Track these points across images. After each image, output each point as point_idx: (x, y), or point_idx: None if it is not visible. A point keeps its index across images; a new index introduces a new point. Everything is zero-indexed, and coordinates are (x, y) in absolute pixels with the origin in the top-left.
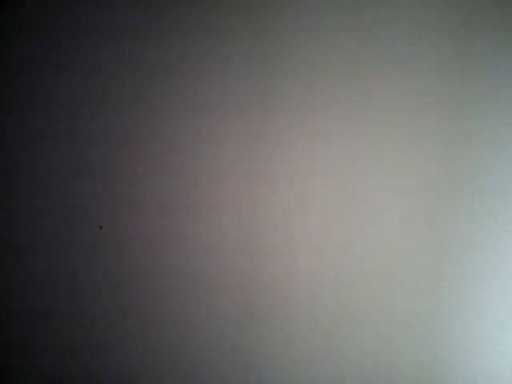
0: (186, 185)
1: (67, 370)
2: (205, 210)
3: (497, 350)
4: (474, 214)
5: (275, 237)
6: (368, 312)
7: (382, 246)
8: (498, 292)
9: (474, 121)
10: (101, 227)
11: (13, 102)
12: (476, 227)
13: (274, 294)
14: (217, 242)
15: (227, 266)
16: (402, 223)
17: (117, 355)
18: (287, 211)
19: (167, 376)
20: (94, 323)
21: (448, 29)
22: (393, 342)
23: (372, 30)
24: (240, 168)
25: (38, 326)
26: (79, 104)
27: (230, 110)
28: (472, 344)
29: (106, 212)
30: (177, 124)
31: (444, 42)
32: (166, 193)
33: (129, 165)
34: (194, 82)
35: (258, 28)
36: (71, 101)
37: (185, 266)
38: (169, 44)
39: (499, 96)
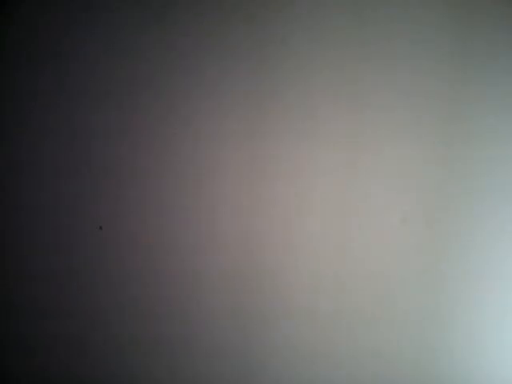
0: (186, 185)
1: (67, 369)
2: (205, 210)
3: (497, 350)
4: (474, 214)
5: (275, 237)
6: (368, 312)
7: (382, 246)
8: (498, 292)
9: (474, 121)
10: (101, 227)
11: (12, 101)
12: (476, 227)
13: (274, 294)
14: (217, 241)
15: (227, 265)
16: (401, 223)
17: (116, 355)
18: (287, 211)
19: (167, 376)
20: (94, 323)
21: (448, 29)
22: (393, 341)
23: (372, 30)
24: (240, 168)
25: (37, 325)
26: (79, 104)
27: (229, 109)
28: (472, 344)
29: (105, 212)
30: (177, 124)
31: (444, 42)
32: (166, 193)
33: (129, 165)
34: (194, 82)
35: (258, 28)
36: (71, 101)
37: (185, 266)
38: (168, 44)
39: (499, 96)
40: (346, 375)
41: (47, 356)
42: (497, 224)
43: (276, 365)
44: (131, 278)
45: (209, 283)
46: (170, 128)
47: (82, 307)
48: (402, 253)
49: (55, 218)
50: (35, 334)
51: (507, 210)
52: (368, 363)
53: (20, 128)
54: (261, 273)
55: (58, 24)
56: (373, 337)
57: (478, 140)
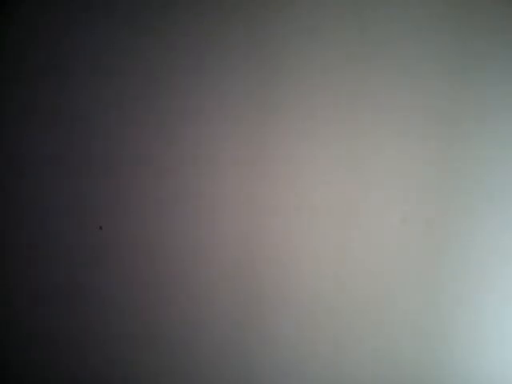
0: (187, 185)
1: (67, 369)
2: (205, 210)
3: (497, 350)
4: (475, 214)
5: (275, 237)
6: (368, 312)
7: (382, 245)
8: (498, 292)
9: (474, 121)
10: (101, 227)
11: (12, 101)
12: (476, 227)
13: (274, 294)
14: (217, 241)
15: (227, 265)
16: (402, 223)
17: (116, 355)
18: (287, 211)
19: (167, 376)
20: (94, 323)
21: (448, 29)
22: (393, 341)
23: (372, 31)
24: (240, 168)
25: (37, 325)
26: (79, 104)
27: (230, 109)
28: (472, 344)
29: (105, 212)
30: (177, 124)
31: (444, 42)
32: (167, 193)
33: (129, 165)
34: (194, 82)
35: (258, 28)
36: (71, 101)
37: (185, 266)
38: (168, 44)
39: (500, 96)
40: (346, 375)
41: (47, 356)
42: (497, 224)
43: (276, 364)
44: (131, 277)
45: (209, 283)
46: (170, 128)
47: (82, 307)
48: (402, 253)
49: (55, 218)
50: (35, 334)
51: (507, 210)
52: (368, 363)
53: (20, 128)
54: (261, 273)
55: (57, 24)
56: (373, 337)
57: (478, 140)
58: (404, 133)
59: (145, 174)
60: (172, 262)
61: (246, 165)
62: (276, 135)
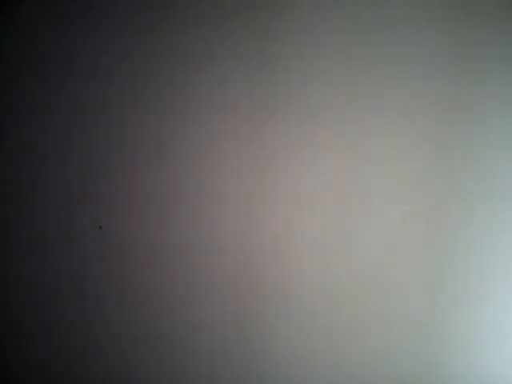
0: (187, 185)
1: (67, 369)
2: (205, 211)
3: (498, 350)
4: (475, 214)
5: (275, 237)
6: (368, 312)
7: (382, 245)
8: (498, 292)
9: (474, 121)
10: (101, 227)
11: (12, 101)
12: (476, 227)
13: (274, 294)
14: (217, 241)
15: (227, 265)
16: (402, 223)
17: (116, 354)
18: (288, 212)
19: (167, 376)
20: (94, 323)
21: (448, 31)
22: (393, 341)
23: (372, 32)
24: (241, 169)
25: (37, 325)
26: (79, 104)
27: (230, 110)
28: (473, 344)
29: (106, 212)
30: (177, 124)
31: (444, 44)
32: (167, 193)
33: (129, 165)
34: (194, 83)
35: (259, 29)
36: (71, 101)
37: (185, 266)
38: (169, 44)
39: (499, 97)
40: (346, 375)
41: (47, 356)
42: (497, 224)
43: (276, 364)
44: (131, 277)
45: (209, 283)
46: (170, 128)
47: (82, 307)
48: (402, 253)
49: (55, 218)
50: (35, 334)
51: (508, 210)
52: (368, 363)
53: (20, 128)
54: (261, 273)
55: (58, 24)
56: (373, 337)
57: (479, 140)
58: (404, 133)
59: (145, 174)
60: (172, 262)
61: (246, 165)
62: (276, 135)
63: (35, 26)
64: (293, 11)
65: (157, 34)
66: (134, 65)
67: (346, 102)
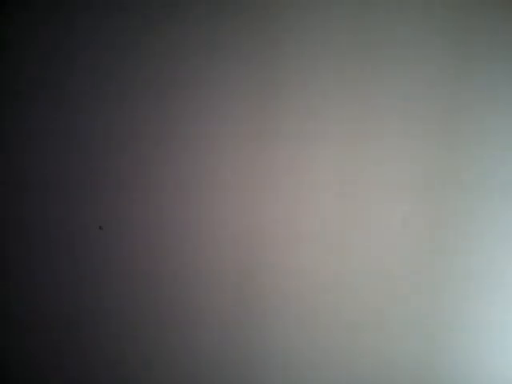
0: (187, 185)
1: (67, 370)
2: (205, 210)
3: (498, 350)
4: (475, 214)
5: (275, 237)
6: (368, 312)
7: (382, 245)
8: (499, 292)
9: (474, 122)
10: (101, 227)
11: (12, 101)
12: (476, 227)
13: (274, 295)
14: (217, 241)
15: (228, 265)
16: (402, 223)
17: (116, 354)
18: (288, 211)
19: (167, 376)
20: (94, 322)
21: (447, 30)
22: (393, 342)
23: (372, 33)
24: (241, 168)
25: (37, 326)
26: (79, 104)
27: (230, 110)
28: (473, 344)
29: (106, 212)
30: (177, 124)
31: (443, 44)
32: (167, 193)
33: (129, 164)
34: (195, 83)
35: (259, 29)
36: (72, 101)
37: (185, 266)
38: (169, 45)
39: (499, 98)
40: (346, 375)
41: (47, 356)
42: (498, 224)
43: (276, 364)
44: (132, 277)
45: (209, 283)
46: (170, 128)
47: (82, 307)
48: (402, 253)
49: (55, 218)
50: (35, 334)
51: (508, 210)
52: (368, 364)
53: (20, 128)
54: (261, 272)
55: (58, 24)
56: (373, 338)
57: (479, 140)
58: (404, 133)
59: (145, 174)
60: (172, 261)
61: (247, 165)
62: (277, 136)
63: (35, 26)
64: (293, 12)
65: (157, 34)
66: (134, 66)
67: (346, 102)
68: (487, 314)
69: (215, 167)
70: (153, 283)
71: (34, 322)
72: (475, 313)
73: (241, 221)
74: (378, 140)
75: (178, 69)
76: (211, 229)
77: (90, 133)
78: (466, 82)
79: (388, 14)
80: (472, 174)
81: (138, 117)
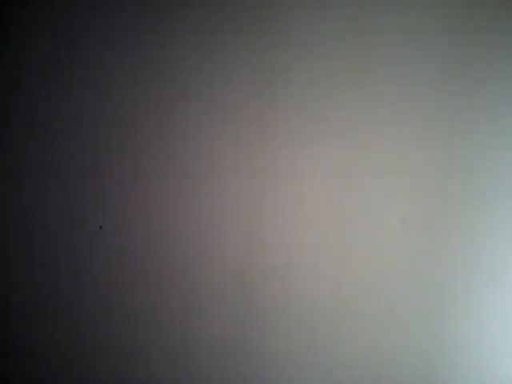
0: (188, 185)
1: (67, 370)
2: (206, 210)
3: (499, 349)
4: (475, 214)
5: (275, 238)
6: (368, 312)
7: (381, 245)
8: (498, 292)
9: (474, 121)
10: (101, 227)
11: (12, 101)
12: (476, 227)
13: (274, 295)
14: (217, 242)
15: (227, 265)
16: (401, 223)
17: (116, 354)
18: (287, 211)
19: (167, 376)
20: (95, 323)
21: (448, 30)
22: (393, 342)
23: (373, 33)
24: (241, 169)
25: (37, 326)
26: (80, 104)
27: (231, 111)
28: (473, 344)
29: (105, 212)
30: (178, 125)
31: (444, 44)
32: (167, 193)
33: (130, 164)
34: (196, 84)
35: (259, 30)
36: (72, 101)
37: (186, 266)
38: (170, 46)
39: (499, 98)
40: (346, 376)
41: (47, 356)
42: (497, 224)
43: (276, 365)
44: (132, 278)
45: (209, 283)
46: (171, 129)
47: (83, 307)
48: (401, 253)
49: (55, 218)
50: (35, 335)
51: (508, 210)
52: (368, 363)
53: (20, 128)
54: (261, 272)
55: (58, 24)
56: (373, 338)
57: (479, 140)
58: (404, 133)
59: (146, 174)
60: (173, 262)
61: (247, 165)
62: (277, 138)
63: (35, 26)
64: (294, 12)
65: (157, 34)
66: (134, 66)
67: (345, 102)
68: (489, 314)
69: (216, 167)
70: (153, 283)
71: (34, 321)
72: (476, 313)
73: (240, 223)
74: (377, 140)
75: (179, 69)
76: (211, 231)
77: (91, 132)
78: (467, 82)
79: (388, 14)
80: (472, 174)
81: (138, 116)
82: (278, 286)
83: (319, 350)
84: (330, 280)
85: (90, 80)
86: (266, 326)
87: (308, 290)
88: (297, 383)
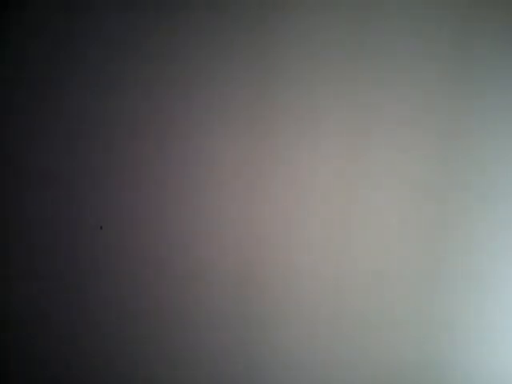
0: (188, 185)
1: (68, 371)
2: (205, 210)
3: (498, 350)
4: (475, 214)
5: (275, 238)
6: (368, 312)
7: (381, 245)
8: (500, 293)
9: (474, 121)
10: (101, 227)
11: (13, 101)
12: (476, 227)
13: (274, 295)
14: (217, 242)
15: (227, 266)
16: (401, 223)
17: (117, 354)
18: (287, 211)
19: (167, 376)
20: (94, 323)
21: (448, 29)
22: (393, 342)
23: (372, 32)
24: (241, 169)
25: (38, 326)
26: (81, 104)
27: (231, 111)
28: (473, 344)
29: (105, 212)
30: (178, 125)
31: (444, 43)
32: (167, 193)
33: (130, 164)
34: (196, 84)
35: (260, 31)
36: (72, 101)
37: (186, 266)
38: (170, 46)
39: (500, 97)
40: (346, 375)
41: (47, 356)
42: (497, 224)
43: (276, 365)
44: (132, 278)
45: (209, 284)
46: (171, 128)
47: (83, 307)
48: (401, 253)
49: (55, 218)
50: (35, 335)
51: (508, 210)
52: (368, 363)
53: (20, 128)
54: (260, 272)
55: (59, 24)
56: (373, 337)
57: (479, 140)
58: (404, 133)
59: (146, 174)
60: (173, 262)
61: (247, 165)
62: (277, 137)
63: (36, 27)
64: (294, 12)
65: (157, 35)
66: (135, 66)
67: (345, 101)
68: (489, 314)
69: (216, 167)
70: (153, 283)
71: (34, 322)
72: (476, 313)
73: (240, 223)
74: (377, 140)
75: (179, 69)
76: (211, 231)
77: (91, 132)
78: (467, 81)
79: (388, 13)
80: (472, 174)
81: (138, 116)
82: (278, 286)
83: (319, 349)
84: (330, 280)
85: (90, 80)
86: (267, 326)
87: (308, 290)
88: (297, 383)
